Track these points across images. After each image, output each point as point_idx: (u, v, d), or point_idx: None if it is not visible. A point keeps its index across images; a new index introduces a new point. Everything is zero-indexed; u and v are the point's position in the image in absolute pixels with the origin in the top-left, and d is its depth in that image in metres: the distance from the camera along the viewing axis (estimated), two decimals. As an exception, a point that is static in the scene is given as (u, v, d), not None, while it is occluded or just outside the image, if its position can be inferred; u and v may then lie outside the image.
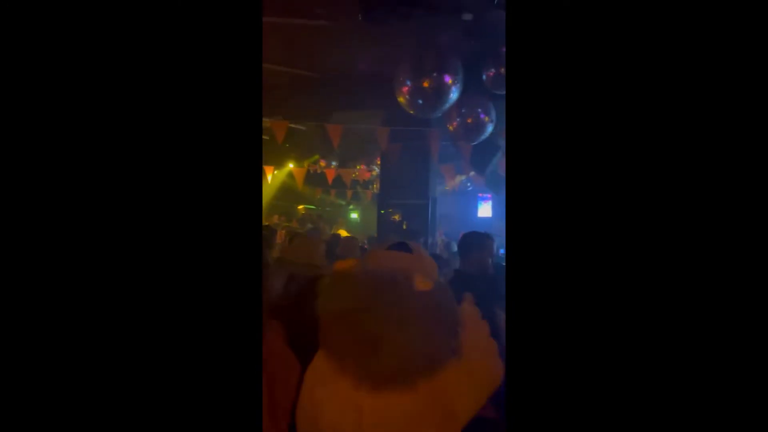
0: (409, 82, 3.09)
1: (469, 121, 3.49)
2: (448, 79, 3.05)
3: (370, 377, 0.77)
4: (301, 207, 8.11)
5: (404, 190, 4.99)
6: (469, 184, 7.66)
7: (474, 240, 2.18)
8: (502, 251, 4.76)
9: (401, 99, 3.18)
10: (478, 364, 0.82)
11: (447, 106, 3.19)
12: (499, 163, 5.55)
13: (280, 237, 4.28)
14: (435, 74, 3.04)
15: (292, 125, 4.53)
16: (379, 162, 6.05)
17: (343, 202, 8.95)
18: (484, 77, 3.17)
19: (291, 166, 6.62)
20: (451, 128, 3.62)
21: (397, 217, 5.04)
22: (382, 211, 5.15)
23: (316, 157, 6.47)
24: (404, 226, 4.97)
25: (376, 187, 7.58)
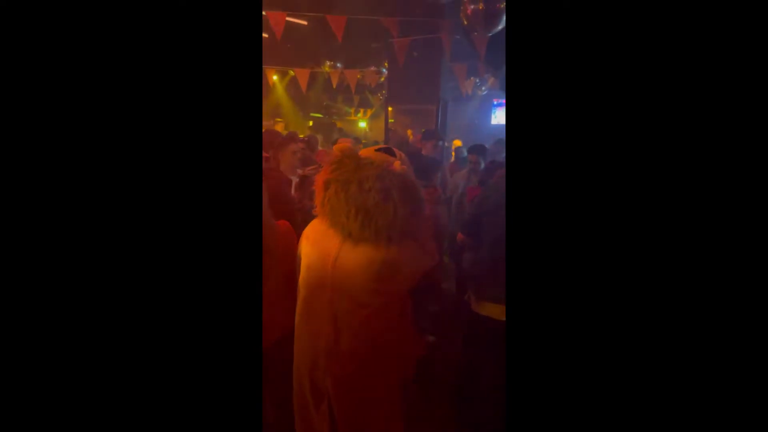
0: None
1: (485, 7, 3.13)
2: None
3: (351, 235, 0.99)
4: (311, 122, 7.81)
5: (414, 93, 4.70)
6: (483, 88, 7.20)
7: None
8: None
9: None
10: (423, 246, 1.06)
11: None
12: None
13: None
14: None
15: (291, 18, 4.14)
16: (387, 65, 5.64)
17: (350, 109, 8.57)
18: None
19: (291, 73, 6.19)
20: (464, 16, 3.26)
21: (410, 133, 4.81)
22: (391, 120, 4.92)
23: (326, 67, 6.00)
24: (410, 137, 4.78)
25: (385, 92, 7.20)
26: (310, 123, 8.73)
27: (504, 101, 8.26)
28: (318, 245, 1.05)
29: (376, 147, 1.10)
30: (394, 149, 1.10)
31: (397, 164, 1.00)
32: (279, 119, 6.69)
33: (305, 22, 4.49)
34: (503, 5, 3.15)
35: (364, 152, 1.08)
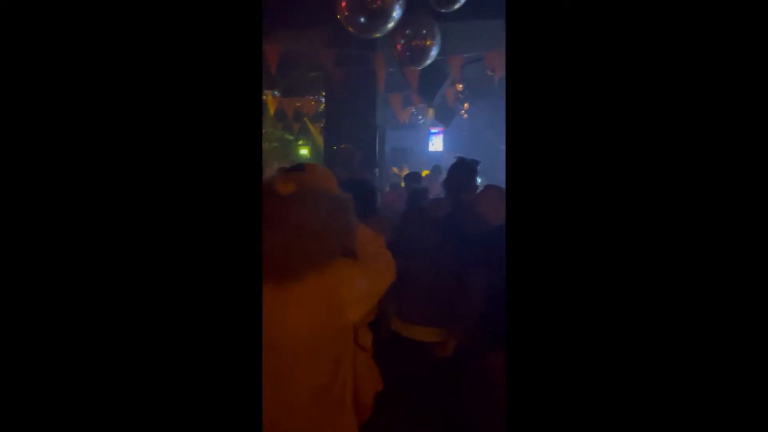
0: (348, -4, 2.85)
1: (413, 43, 3.34)
2: (391, -6, 2.84)
3: (270, 274, 0.86)
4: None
5: (351, 121, 4.83)
6: (420, 117, 7.56)
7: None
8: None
9: (340, 15, 2.95)
10: (370, 264, 0.96)
11: (390, 25, 3.01)
12: (446, 94, 5.47)
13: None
14: (376, -13, 2.81)
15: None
16: (324, 94, 5.75)
17: (291, 137, 8.57)
18: (427, -7, 2.99)
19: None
20: (395, 52, 3.46)
21: (343, 155, 4.87)
22: (334, 147, 4.98)
23: (267, 95, 5.99)
24: (339, 160, 4.80)
25: (324, 121, 7.30)
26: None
27: (440, 130, 8.70)
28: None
29: (289, 166, 1.01)
30: (306, 164, 1.03)
31: (278, 183, 0.91)
32: None
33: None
34: (430, 42, 3.39)
35: (279, 179, 0.96)
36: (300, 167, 0.99)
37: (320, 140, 8.31)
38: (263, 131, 8.49)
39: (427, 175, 5.36)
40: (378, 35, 3.11)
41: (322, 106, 6.47)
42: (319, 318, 0.90)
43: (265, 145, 8.88)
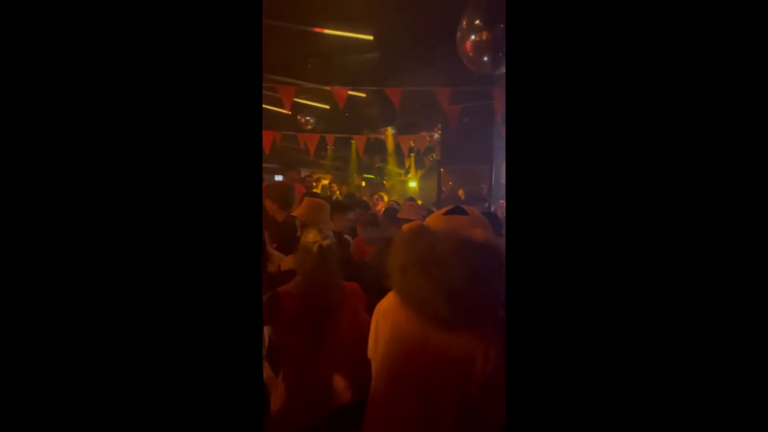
0: (472, 36, 2.91)
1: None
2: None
3: (434, 319, 0.86)
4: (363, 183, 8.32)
5: (465, 154, 4.83)
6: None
7: None
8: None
9: (463, 55, 3.02)
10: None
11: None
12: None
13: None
14: (501, 25, 2.83)
15: (351, 92, 4.52)
16: (440, 129, 5.89)
17: (402, 171, 8.91)
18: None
19: (352, 140, 6.68)
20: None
21: (461, 192, 4.95)
22: (450, 183, 5.06)
23: (389, 131, 6.40)
24: (461, 195, 4.85)
25: (435, 154, 7.46)
26: (363, 183, 9.16)
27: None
28: (400, 330, 0.93)
29: (445, 210, 1.01)
30: (466, 207, 1.00)
31: (477, 232, 0.90)
32: (323, 177, 7.26)
33: (364, 95, 4.89)
34: (555, 73, 3.25)
35: (433, 219, 0.99)
36: (460, 211, 0.97)
37: (416, 177, 8.58)
38: (377, 165, 9.00)
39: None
40: (499, 72, 3.09)
41: (435, 138, 6.63)
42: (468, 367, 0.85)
43: (377, 179, 9.38)
